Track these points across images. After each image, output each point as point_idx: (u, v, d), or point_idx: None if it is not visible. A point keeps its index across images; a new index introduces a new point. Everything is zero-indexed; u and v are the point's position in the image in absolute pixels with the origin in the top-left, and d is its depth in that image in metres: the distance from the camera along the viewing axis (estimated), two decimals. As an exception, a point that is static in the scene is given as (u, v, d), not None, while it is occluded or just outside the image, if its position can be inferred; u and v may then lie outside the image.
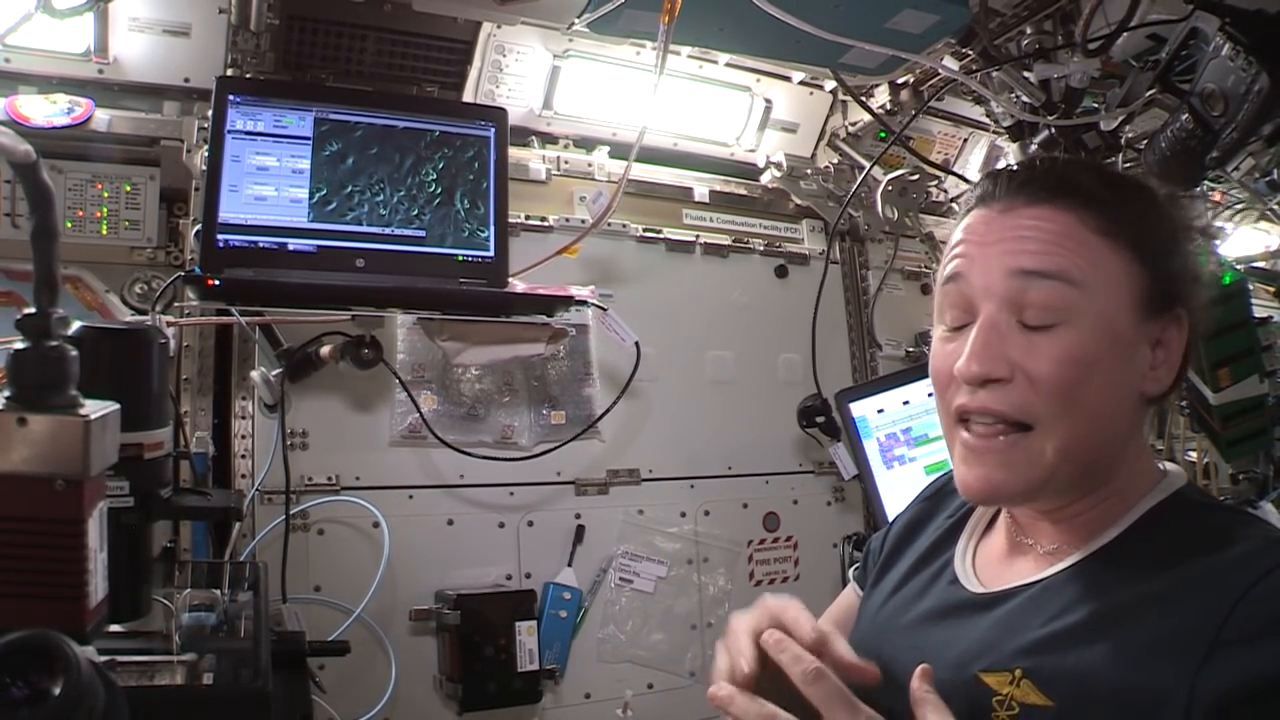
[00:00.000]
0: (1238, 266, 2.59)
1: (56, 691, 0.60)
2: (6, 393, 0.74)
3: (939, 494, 1.18)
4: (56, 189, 0.94)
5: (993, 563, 1.00)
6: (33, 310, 0.76)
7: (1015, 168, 0.98)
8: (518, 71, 2.19)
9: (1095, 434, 0.88)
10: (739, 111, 2.50)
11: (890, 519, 2.16)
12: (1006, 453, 0.88)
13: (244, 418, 1.94)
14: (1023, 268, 0.88)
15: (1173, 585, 0.80)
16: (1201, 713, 0.72)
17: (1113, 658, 0.78)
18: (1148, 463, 0.95)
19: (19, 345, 0.75)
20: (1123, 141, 2.15)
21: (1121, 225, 0.89)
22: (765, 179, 2.61)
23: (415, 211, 1.84)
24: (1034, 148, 2.09)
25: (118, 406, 0.81)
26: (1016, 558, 0.97)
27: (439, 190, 1.86)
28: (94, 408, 0.77)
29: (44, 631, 0.62)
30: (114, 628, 1.05)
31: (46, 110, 1.85)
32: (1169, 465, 0.96)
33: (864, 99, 2.39)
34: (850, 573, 1.28)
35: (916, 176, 2.51)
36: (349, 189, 1.81)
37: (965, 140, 2.79)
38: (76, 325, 0.91)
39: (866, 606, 1.13)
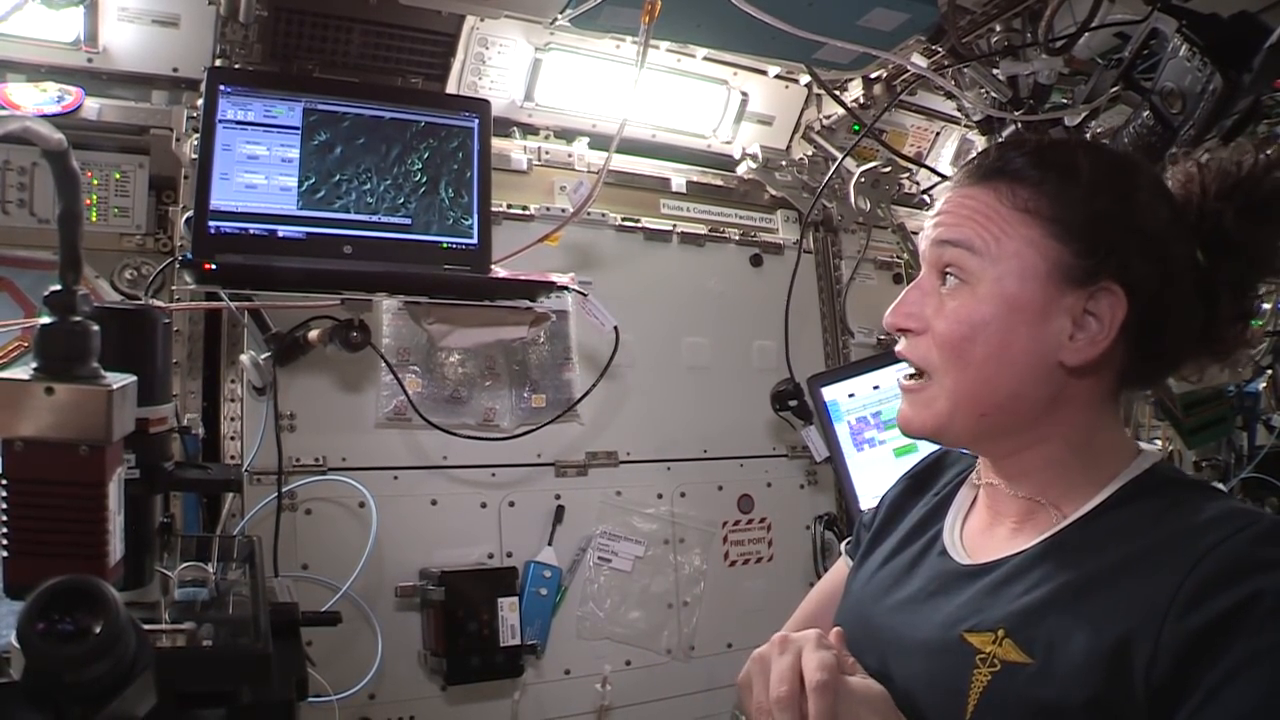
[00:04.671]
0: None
1: (98, 630, 0.66)
2: (34, 364, 0.80)
3: (926, 471, 1.27)
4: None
5: (977, 536, 1.08)
6: (59, 287, 0.81)
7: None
8: (500, 64, 2.23)
9: (987, 388, 0.97)
10: (716, 104, 2.55)
11: (859, 498, 2.21)
12: (914, 394, 1.03)
13: (233, 400, 1.97)
14: (938, 238, 1.01)
15: (1141, 553, 0.87)
16: (1168, 662, 0.79)
17: (1087, 622, 0.85)
18: (1118, 439, 1.01)
19: (45, 320, 0.81)
20: (1088, 137, 2.21)
21: (1040, 202, 0.96)
22: (741, 170, 2.66)
23: (401, 200, 1.89)
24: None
25: (134, 379, 0.86)
26: (997, 531, 1.05)
27: (424, 179, 1.91)
28: (114, 379, 0.83)
29: (87, 576, 0.67)
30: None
31: (37, 98, 1.88)
32: (1146, 445, 1.04)
33: (838, 93, 2.44)
34: (841, 546, 1.36)
35: (889, 169, 2.57)
36: (337, 178, 1.85)
37: (938, 134, 2.85)
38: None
39: (857, 577, 1.20)
